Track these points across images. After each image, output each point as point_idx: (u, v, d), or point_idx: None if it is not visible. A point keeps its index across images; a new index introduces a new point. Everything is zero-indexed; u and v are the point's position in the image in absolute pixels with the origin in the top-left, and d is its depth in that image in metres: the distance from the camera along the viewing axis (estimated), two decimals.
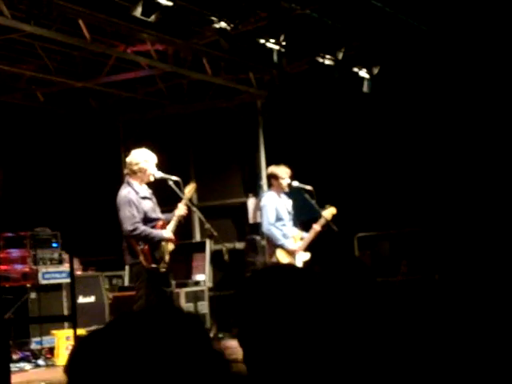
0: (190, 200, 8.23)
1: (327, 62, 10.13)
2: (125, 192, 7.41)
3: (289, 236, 8.95)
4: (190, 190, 7.81)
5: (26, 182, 12.22)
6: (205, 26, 8.76)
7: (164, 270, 7.44)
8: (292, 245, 8.89)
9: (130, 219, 7.27)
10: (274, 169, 9.04)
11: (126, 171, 7.58)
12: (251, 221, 11.92)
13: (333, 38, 9.98)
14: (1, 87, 11.00)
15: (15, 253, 10.09)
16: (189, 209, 7.94)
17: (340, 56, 10.15)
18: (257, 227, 11.42)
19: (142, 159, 7.52)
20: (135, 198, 7.37)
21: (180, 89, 12.23)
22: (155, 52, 9.92)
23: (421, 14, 9.85)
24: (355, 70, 10.62)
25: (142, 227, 7.33)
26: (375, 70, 10.75)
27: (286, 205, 9.19)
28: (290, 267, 2.38)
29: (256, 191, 11.93)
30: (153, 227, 7.46)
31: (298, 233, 9.13)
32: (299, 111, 11.51)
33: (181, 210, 7.60)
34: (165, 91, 11.96)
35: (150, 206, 7.51)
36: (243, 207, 12.14)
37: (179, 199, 7.73)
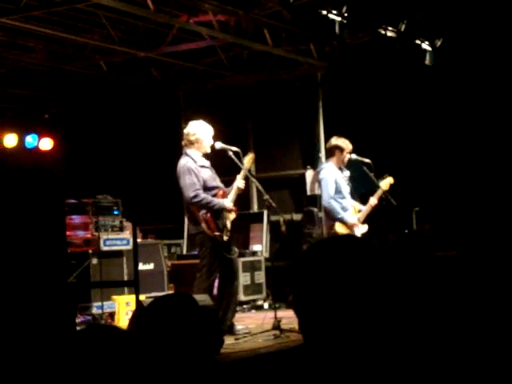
0: (249, 171, 8.32)
1: (389, 33, 10.03)
2: (183, 161, 7.55)
3: (348, 209, 8.94)
4: (248, 160, 7.87)
5: (89, 150, 12.45)
6: None
7: (227, 238, 7.55)
8: (351, 218, 8.88)
9: (191, 186, 7.41)
10: (337, 141, 8.98)
11: (183, 142, 7.71)
12: (309, 193, 11.94)
13: (395, 10, 9.87)
14: (65, 56, 11.18)
15: (77, 219, 10.31)
16: (247, 179, 8.02)
17: (402, 28, 10.05)
18: (315, 199, 11.44)
19: (199, 130, 7.64)
20: (194, 166, 7.51)
21: (240, 59, 12.25)
22: (217, 22, 9.96)
23: None
24: (417, 42, 10.49)
25: (203, 195, 7.46)
26: (438, 43, 10.62)
27: (344, 177, 9.18)
28: (350, 237, 2.40)
29: (314, 163, 11.93)
30: (214, 195, 7.57)
31: (356, 205, 9.13)
32: (359, 83, 11.43)
33: (240, 181, 7.69)
34: (225, 62, 12.00)
35: (209, 174, 7.63)
36: (301, 179, 12.16)
37: (239, 170, 7.82)
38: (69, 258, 8.12)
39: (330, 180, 8.87)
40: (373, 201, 9.02)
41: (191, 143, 7.61)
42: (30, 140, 12.02)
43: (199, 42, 10.91)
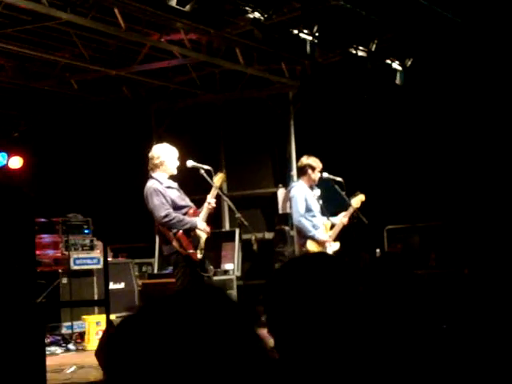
0: (221, 189, 8.30)
1: (360, 53, 10.11)
2: (149, 184, 7.52)
3: (319, 226, 8.96)
4: (218, 179, 7.85)
5: (59, 168, 12.35)
6: (239, 16, 8.78)
7: (201, 256, 7.52)
8: (322, 235, 8.90)
9: (160, 207, 7.36)
10: (308, 160, 9.02)
11: (149, 166, 7.65)
12: (281, 211, 11.93)
13: (366, 30, 9.95)
14: (35, 74, 11.11)
15: (47, 238, 10.22)
16: (218, 198, 8.00)
17: (373, 47, 10.13)
18: (286, 218, 11.44)
19: (163, 153, 7.63)
20: (160, 187, 7.48)
21: (212, 78, 12.27)
22: (189, 41, 9.96)
23: (455, 6, 9.80)
24: (388, 61, 10.58)
25: (174, 214, 7.42)
26: (408, 62, 10.71)
27: (315, 195, 9.21)
28: (322, 255, 2.39)
29: (286, 182, 11.94)
30: (184, 214, 7.54)
31: (327, 222, 9.15)
32: (331, 102, 11.49)
33: (210, 199, 7.67)
34: (197, 80, 12.01)
35: (176, 194, 7.60)
36: (273, 197, 12.16)
37: (210, 188, 7.80)
38: (38, 277, 8.02)
39: (300, 198, 8.90)
40: (344, 219, 9.06)
41: (156, 166, 7.58)
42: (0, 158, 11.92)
43: (171, 61, 10.92)
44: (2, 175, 11.70)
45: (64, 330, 9.56)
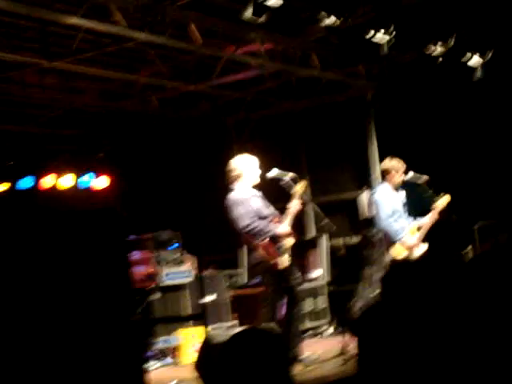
0: (303, 196, 8.29)
1: (438, 49, 9.94)
2: (231, 195, 7.57)
3: (406, 229, 8.84)
4: (301, 186, 7.81)
5: (145, 186, 12.55)
6: (314, 23, 8.76)
7: (289, 263, 7.52)
8: (410, 239, 8.77)
9: (243, 216, 7.39)
10: (391, 162, 8.92)
11: (228, 180, 7.69)
12: (367, 214, 11.84)
13: (443, 26, 9.79)
14: (116, 94, 11.35)
15: (138, 255, 10.38)
16: (303, 205, 7.98)
17: (451, 44, 9.96)
18: (371, 221, 11.34)
19: (240, 165, 7.66)
20: (243, 197, 7.51)
21: (289, 86, 12.28)
22: (264, 51, 10.00)
23: None
24: (465, 58, 10.38)
25: (257, 222, 7.43)
26: (489, 55, 10.48)
27: (400, 197, 9.09)
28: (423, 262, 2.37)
29: (370, 184, 11.85)
30: (269, 222, 7.54)
31: (414, 223, 9.02)
32: (410, 101, 11.36)
33: (295, 203, 7.63)
34: (275, 89, 12.04)
35: (260, 203, 7.61)
36: (356, 201, 12.09)
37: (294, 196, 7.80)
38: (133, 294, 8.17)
39: (385, 201, 8.79)
40: (430, 219, 8.91)
41: (235, 179, 7.61)
42: (87, 179, 12.16)
43: (247, 72, 10.97)
44: (91, 195, 11.94)
45: (160, 345, 9.68)
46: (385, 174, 8.98)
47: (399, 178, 8.83)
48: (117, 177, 12.12)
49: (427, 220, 8.90)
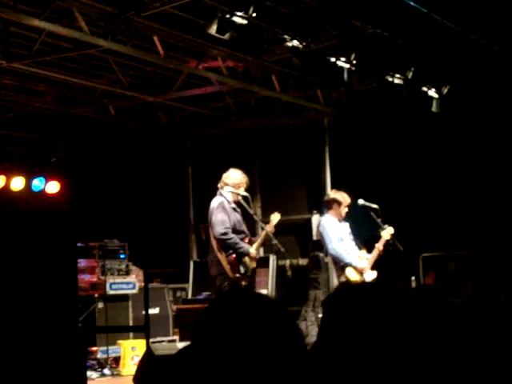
0: (255, 215, 8.49)
1: (396, 80, 10.11)
2: (218, 199, 7.81)
3: (355, 254, 8.91)
4: (274, 218, 8.10)
5: (96, 193, 12.45)
6: (277, 44, 8.85)
7: (246, 284, 7.65)
8: (360, 263, 8.84)
9: (222, 223, 7.63)
10: (335, 194, 9.00)
11: (220, 184, 7.91)
12: (315, 237, 11.91)
13: (403, 57, 9.96)
14: (74, 100, 11.26)
15: (84, 263, 10.28)
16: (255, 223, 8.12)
17: (409, 75, 10.13)
18: (320, 244, 11.42)
19: (236, 176, 7.91)
20: (227, 206, 7.76)
21: (248, 105, 12.34)
22: (226, 68, 10.05)
23: (492, 34, 9.78)
24: (424, 89, 10.57)
25: (232, 234, 7.67)
26: (445, 90, 10.69)
27: (345, 228, 9.20)
28: (371, 285, 2.41)
29: (320, 208, 11.93)
30: (241, 239, 7.73)
31: (361, 253, 9.10)
32: (366, 129, 11.49)
33: (270, 227, 7.90)
34: (232, 107, 12.09)
35: (238, 218, 7.86)
36: (307, 224, 12.15)
37: (247, 214, 7.96)
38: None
39: (331, 228, 8.85)
40: (379, 247, 9.01)
41: (226, 185, 7.86)
42: (37, 183, 12.02)
43: (207, 88, 11.00)
44: (40, 200, 11.80)
45: (99, 355, 9.58)
46: (328, 204, 9.02)
47: (342, 210, 8.89)
48: (67, 183, 12.01)
49: (376, 249, 9.00)
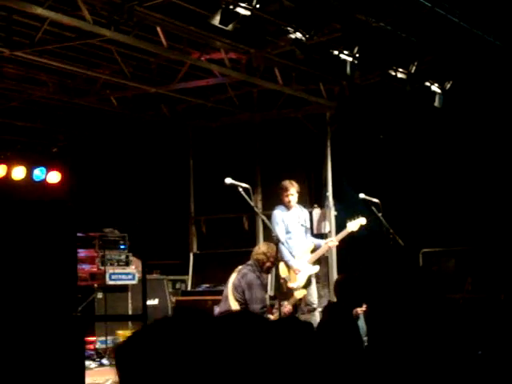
0: (256, 207, 8.62)
1: (399, 75, 10.08)
2: (255, 276, 8.23)
3: (295, 252, 9.18)
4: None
5: (97, 184, 12.45)
6: (280, 37, 8.81)
7: None
8: (296, 263, 9.12)
9: (262, 301, 8.17)
10: (283, 182, 9.34)
11: (252, 261, 8.34)
12: (315, 231, 11.91)
13: (406, 52, 9.93)
14: (76, 90, 11.25)
15: (84, 253, 10.30)
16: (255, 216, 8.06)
17: (412, 70, 10.10)
18: (321, 237, 11.43)
19: (263, 253, 8.31)
20: (258, 283, 8.23)
21: (250, 97, 12.32)
22: (228, 60, 10.02)
23: (496, 29, 9.76)
24: (427, 84, 10.54)
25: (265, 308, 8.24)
26: (448, 85, 10.67)
27: (298, 217, 9.31)
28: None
29: (321, 202, 11.93)
30: (263, 307, 8.24)
31: (310, 244, 9.30)
32: (368, 123, 11.48)
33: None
34: (235, 99, 12.06)
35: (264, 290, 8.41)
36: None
37: (248, 206, 7.92)
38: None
39: (277, 222, 9.26)
40: (331, 243, 9.28)
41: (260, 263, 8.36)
42: (38, 173, 12.03)
43: (210, 79, 10.97)
44: (41, 190, 11.81)
45: (98, 345, 9.60)
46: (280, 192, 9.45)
47: (287, 198, 9.37)
48: (68, 173, 12.01)
49: (327, 242, 9.45)
